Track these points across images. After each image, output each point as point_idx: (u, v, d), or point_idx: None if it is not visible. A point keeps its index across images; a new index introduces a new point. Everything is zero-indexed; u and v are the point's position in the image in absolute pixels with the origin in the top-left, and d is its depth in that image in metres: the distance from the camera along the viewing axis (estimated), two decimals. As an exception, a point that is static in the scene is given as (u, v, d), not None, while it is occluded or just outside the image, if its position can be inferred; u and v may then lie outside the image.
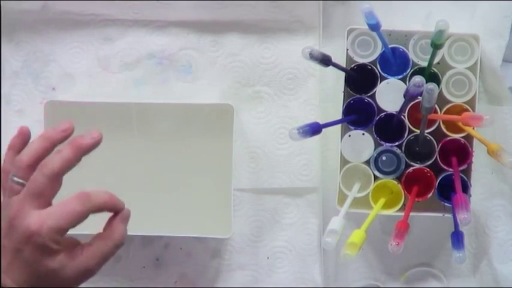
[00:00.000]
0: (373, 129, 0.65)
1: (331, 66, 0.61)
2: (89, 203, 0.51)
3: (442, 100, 0.65)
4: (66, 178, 0.52)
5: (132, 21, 0.71)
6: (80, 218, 0.50)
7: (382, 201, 0.64)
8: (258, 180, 0.71)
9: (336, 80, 0.69)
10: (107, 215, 0.54)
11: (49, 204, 0.51)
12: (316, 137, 0.61)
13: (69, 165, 0.52)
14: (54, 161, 0.51)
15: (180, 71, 0.71)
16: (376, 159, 0.66)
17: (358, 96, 0.65)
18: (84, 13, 0.71)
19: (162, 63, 0.71)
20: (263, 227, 0.72)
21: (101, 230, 0.54)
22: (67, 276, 0.51)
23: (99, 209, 0.52)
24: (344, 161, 0.66)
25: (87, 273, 0.52)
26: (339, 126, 0.66)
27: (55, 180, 0.51)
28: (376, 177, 0.66)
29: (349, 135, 0.65)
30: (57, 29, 0.71)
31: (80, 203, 0.50)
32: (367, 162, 0.66)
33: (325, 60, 0.59)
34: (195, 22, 0.71)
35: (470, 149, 0.64)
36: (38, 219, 0.49)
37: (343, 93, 0.66)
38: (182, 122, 0.70)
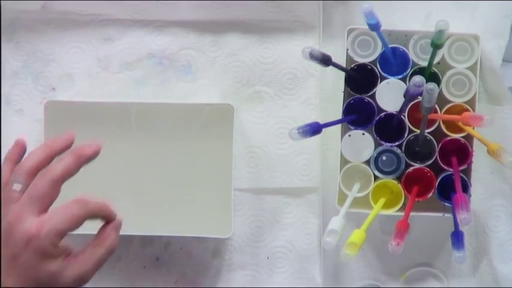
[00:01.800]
0: (373, 129, 0.65)
1: (331, 66, 0.61)
2: (87, 207, 0.52)
3: (442, 100, 0.65)
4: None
5: (132, 21, 0.71)
6: (78, 221, 0.51)
7: (382, 201, 0.64)
8: (258, 180, 0.71)
9: (336, 80, 0.69)
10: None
11: (47, 210, 0.52)
12: (316, 137, 0.61)
13: (70, 173, 0.53)
14: (55, 168, 0.52)
15: (180, 71, 0.71)
16: (376, 159, 0.66)
17: (358, 96, 0.65)
18: (84, 13, 0.71)
19: (162, 63, 0.71)
20: (263, 227, 0.71)
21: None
22: (64, 281, 0.51)
23: (95, 214, 0.53)
24: (344, 161, 0.66)
25: (83, 279, 0.52)
26: (339, 126, 0.66)
27: (55, 187, 0.52)
28: (376, 177, 0.66)
29: (349, 135, 0.65)
30: (57, 29, 0.71)
31: (78, 207, 0.51)
32: (367, 162, 0.66)
33: (325, 60, 0.59)
34: (195, 22, 0.71)
35: (470, 149, 0.64)
36: (38, 223, 0.50)
37: (343, 93, 0.66)
38: (182, 122, 0.70)
